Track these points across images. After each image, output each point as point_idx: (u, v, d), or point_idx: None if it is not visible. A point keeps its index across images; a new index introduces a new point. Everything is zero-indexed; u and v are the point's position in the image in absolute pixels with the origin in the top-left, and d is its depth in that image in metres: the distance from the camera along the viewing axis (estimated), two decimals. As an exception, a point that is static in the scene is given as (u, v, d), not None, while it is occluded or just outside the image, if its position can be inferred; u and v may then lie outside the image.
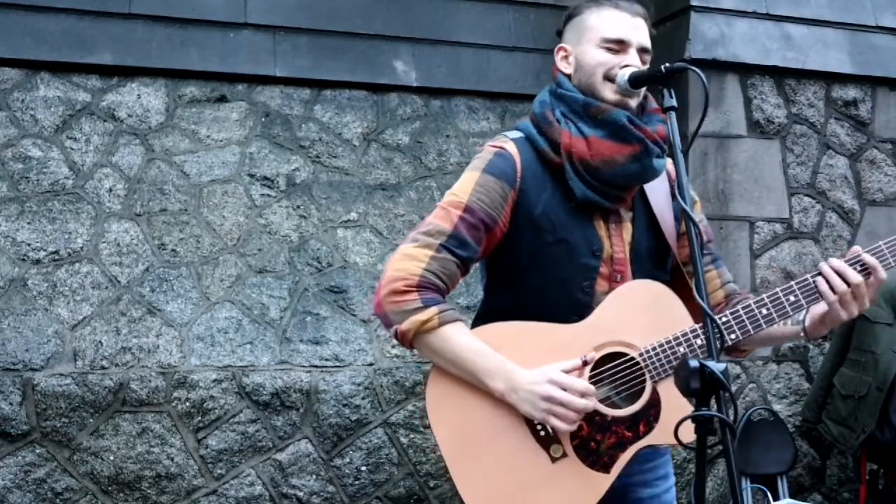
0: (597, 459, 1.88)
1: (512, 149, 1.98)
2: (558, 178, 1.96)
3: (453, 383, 1.91)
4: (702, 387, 1.66)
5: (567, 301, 1.95)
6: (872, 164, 4.71)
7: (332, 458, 3.88)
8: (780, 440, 4.23)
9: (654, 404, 1.90)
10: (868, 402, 3.82)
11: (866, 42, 4.67)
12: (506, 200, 1.93)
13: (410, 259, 1.90)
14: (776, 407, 4.38)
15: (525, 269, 1.97)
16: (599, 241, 1.97)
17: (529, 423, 1.89)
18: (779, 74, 4.52)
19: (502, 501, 1.87)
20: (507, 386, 1.86)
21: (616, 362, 1.92)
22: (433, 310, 1.87)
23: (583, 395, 1.84)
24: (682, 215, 1.81)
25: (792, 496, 4.14)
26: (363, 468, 3.90)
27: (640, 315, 1.93)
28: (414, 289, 1.88)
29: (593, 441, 1.88)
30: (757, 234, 4.44)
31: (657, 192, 2.06)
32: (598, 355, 1.90)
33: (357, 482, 3.89)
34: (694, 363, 1.66)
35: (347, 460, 3.89)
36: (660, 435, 1.90)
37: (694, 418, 1.68)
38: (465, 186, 1.94)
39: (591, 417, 1.87)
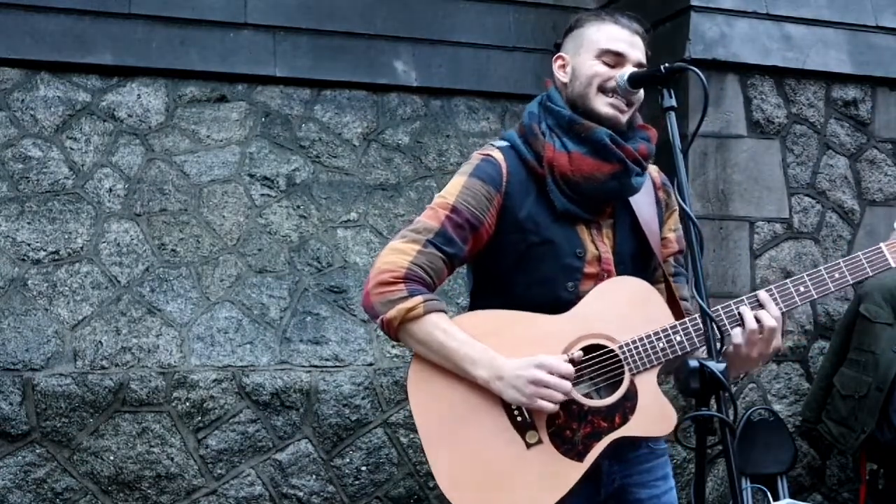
0: (571, 448, 1.91)
1: (498, 156, 2.05)
2: (541, 187, 2.02)
3: (434, 365, 1.96)
4: (702, 387, 1.66)
5: (552, 301, 1.99)
6: (872, 164, 4.71)
7: (332, 458, 3.88)
8: (780, 440, 4.23)
9: (631, 397, 1.93)
10: (868, 402, 3.82)
11: (866, 42, 4.67)
12: (491, 203, 2.00)
13: (398, 253, 1.97)
14: (776, 407, 4.39)
15: (510, 269, 2.03)
16: (582, 243, 2.02)
17: (507, 407, 1.92)
18: (779, 74, 4.52)
19: (474, 482, 1.90)
20: (491, 374, 1.89)
21: (596, 354, 1.95)
22: (418, 298, 1.92)
23: (568, 377, 1.88)
24: (682, 215, 1.81)
25: (792, 496, 4.15)
26: (363, 468, 3.90)
27: (621, 309, 1.97)
28: (400, 280, 1.94)
29: (569, 429, 1.91)
30: (757, 234, 4.44)
31: (640, 199, 2.10)
32: (583, 355, 1.93)
33: (357, 482, 3.89)
34: (694, 363, 1.66)
35: (347, 460, 3.89)
36: (634, 427, 1.92)
37: (694, 418, 1.68)
38: (453, 189, 2.02)
39: (568, 406, 1.90)
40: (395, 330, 1.94)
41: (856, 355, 3.97)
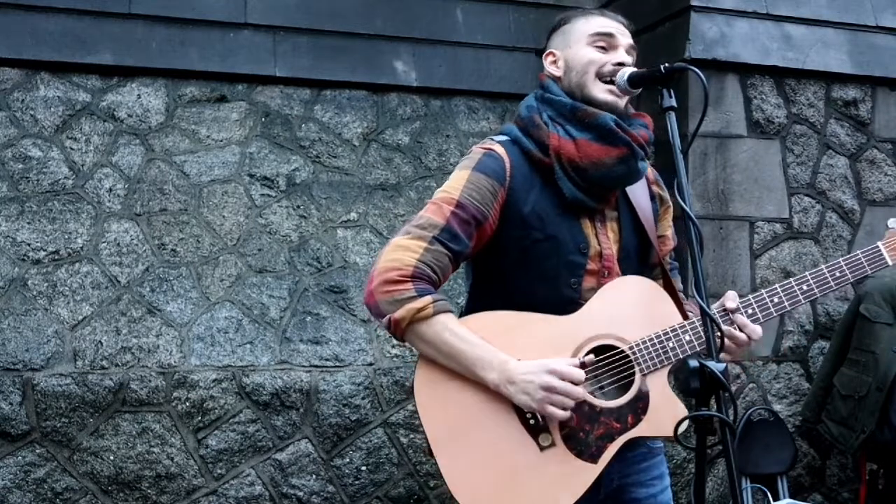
0: (584, 449, 1.89)
1: (500, 150, 2.02)
2: (546, 178, 1.99)
3: (442, 368, 1.92)
4: (702, 387, 1.66)
5: (555, 297, 1.97)
6: (872, 164, 4.71)
7: (332, 458, 3.88)
8: (780, 440, 4.23)
9: (643, 397, 1.92)
10: (868, 402, 3.82)
11: (866, 42, 4.67)
12: (496, 198, 1.96)
13: (404, 250, 1.91)
14: (776, 407, 4.38)
15: (513, 266, 2.00)
16: (585, 238, 2.00)
17: (518, 411, 1.90)
18: (779, 74, 4.52)
19: (488, 487, 1.88)
20: (502, 377, 1.87)
21: (607, 355, 1.94)
22: (427, 298, 1.88)
23: (579, 382, 1.86)
24: (682, 215, 1.81)
25: (792, 496, 4.14)
26: (363, 468, 3.90)
27: (630, 309, 1.96)
28: (408, 279, 1.89)
29: (582, 431, 1.90)
30: (757, 234, 4.44)
31: (637, 193, 2.09)
32: (594, 358, 1.92)
33: (357, 482, 3.89)
34: (694, 363, 1.66)
35: (347, 460, 3.89)
36: (647, 427, 1.92)
37: (694, 418, 1.68)
38: (457, 184, 1.97)
39: (580, 408, 1.89)
40: (402, 331, 1.90)
41: (856, 355, 3.97)
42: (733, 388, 1.67)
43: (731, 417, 1.68)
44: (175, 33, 4.23)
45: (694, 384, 1.66)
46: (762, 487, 4.11)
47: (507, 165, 1.98)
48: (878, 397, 3.78)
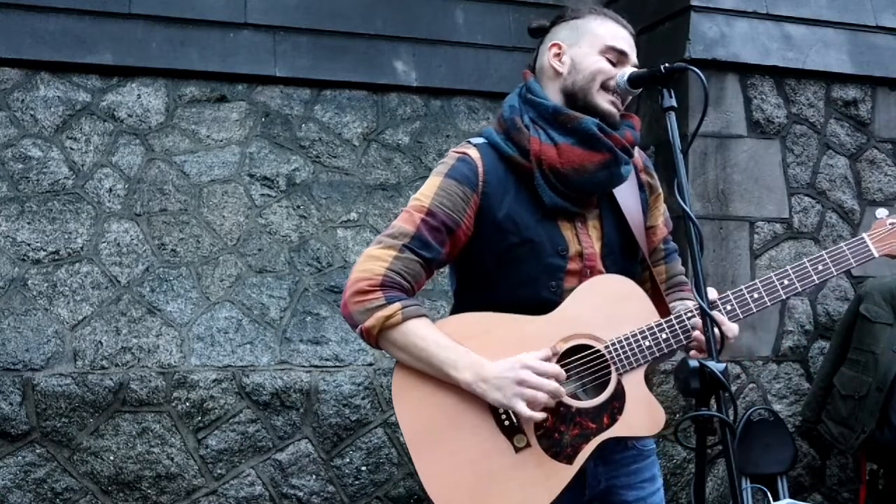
0: (560, 450, 1.89)
1: (474, 154, 2.00)
2: (523, 182, 1.98)
3: (418, 372, 1.93)
4: (702, 387, 1.66)
5: (535, 301, 1.96)
6: (872, 164, 4.71)
7: (332, 458, 3.88)
8: (780, 440, 4.23)
9: (619, 397, 1.91)
10: (868, 402, 3.82)
11: (866, 42, 4.67)
12: (468, 204, 1.96)
13: (374, 260, 1.93)
14: (776, 407, 4.39)
15: (492, 270, 1.99)
16: (564, 241, 1.99)
17: (494, 413, 1.90)
18: (779, 74, 4.52)
19: (464, 490, 1.88)
20: (475, 376, 1.86)
21: (582, 354, 1.93)
22: (396, 305, 1.89)
23: (555, 377, 1.85)
24: (682, 216, 1.81)
25: (792, 496, 4.15)
26: (363, 468, 3.90)
27: (606, 308, 1.95)
28: (377, 287, 1.90)
29: (557, 432, 1.89)
30: (757, 234, 4.44)
31: (624, 187, 2.07)
32: (565, 346, 1.91)
33: (357, 482, 3.89)
34: (694, 363, 1.66)
35: (347, 460, 3.89)
36: (622, 427, 1.91)
37: (694, 418, 1.68)
38: (428, 191, 1.98)
39: (555, 408, 1.88)
40: (374, 338, 1.92)
41: (856, 355, 3.98)
42: (733, 388, 1.66)
43: (731, 417, 1.68)
44: (175, 33, 4.24)
45: (694, 384, 1.66)
46: (762, 487, 4.11)
47: (480, 170, 1.97)
48: (878, 397, 3.79)
